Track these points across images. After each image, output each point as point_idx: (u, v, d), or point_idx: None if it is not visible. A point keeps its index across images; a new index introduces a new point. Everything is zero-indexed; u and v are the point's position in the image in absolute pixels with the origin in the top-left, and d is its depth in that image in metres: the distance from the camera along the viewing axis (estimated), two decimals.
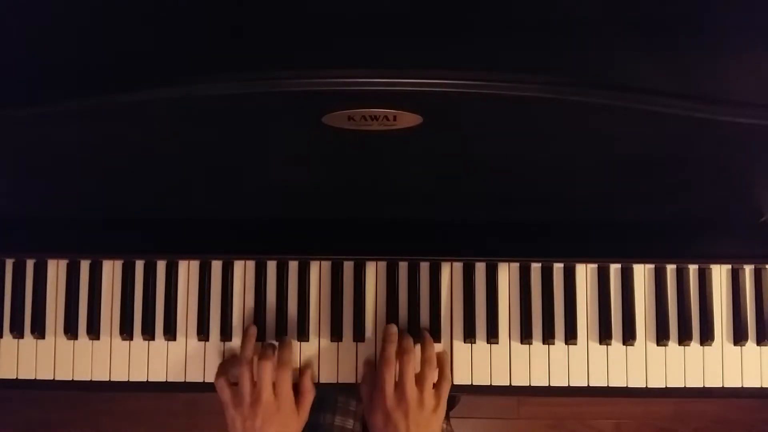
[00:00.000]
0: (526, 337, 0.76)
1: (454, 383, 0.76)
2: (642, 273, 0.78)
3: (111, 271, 0.79)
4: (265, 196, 0.74)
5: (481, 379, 0.76)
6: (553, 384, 0.76)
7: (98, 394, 1.42)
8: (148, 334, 0.78)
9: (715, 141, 0.57)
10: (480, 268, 0.78)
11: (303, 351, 0.77)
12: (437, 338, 0.76)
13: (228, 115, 0.55)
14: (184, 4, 0.54)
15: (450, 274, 0.78)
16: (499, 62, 0.50)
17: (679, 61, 0.52)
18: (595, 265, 0.78)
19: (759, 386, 0.77)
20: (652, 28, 0.53)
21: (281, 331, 0.77)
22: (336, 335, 0.77)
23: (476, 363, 0.77)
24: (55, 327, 0.79)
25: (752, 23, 0.54)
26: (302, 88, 0.49)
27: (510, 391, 0.77)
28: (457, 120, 0.55)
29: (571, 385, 0.76)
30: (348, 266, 0.78)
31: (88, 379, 0.78)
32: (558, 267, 0.78)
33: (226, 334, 0.77)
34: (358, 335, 0.77)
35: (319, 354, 0.77)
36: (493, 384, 0.76)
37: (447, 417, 0.89)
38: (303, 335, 0.77)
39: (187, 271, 0.79)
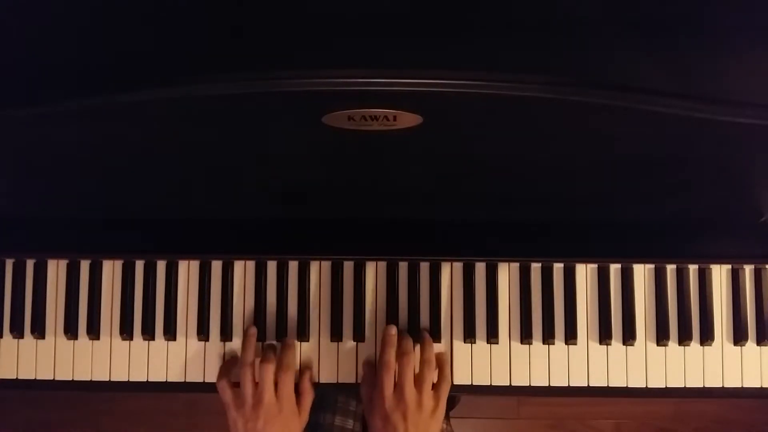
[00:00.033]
0: (526, 337, 0.76)
1: (454, 383, 0.76)
2: (642, 273, 0.78)
3: (111, 271, 0.79)
4: (265, 196, 0.74)
5: (481, 379, 0.76)
6: (553, 384, 0.76)
7: (98, 394, 1.42)
8: (148, 334, 0.78)
9: (715, 141, 0.57)
10: (480, 268, 0.78)
11: (303, 351, 0.77)
12: (437, 338, 0.76)
13: (228, 115, 0.55)
14: (184, 4, 0.54)
15: (450, 274, 0.78)
16: (499, 62, 0.50)
17: (679, 61, 0.52)
18: (595, 265, 0.78)
19: (759, 386, 0.77)
20: (652, 28, 0.53)
21: (281, 331, 0.77)
22: (336, 335, 0.77)
23: (476, 363, 0.77)
24: (55, 327, 0.79)
25: (752, 23, 0.54)
26: (302, 88, 0.49)
27: (510, 391, 0.77)
28: (457, 120, 0.55)
29: (571, 385, 0.76)
30: (348, 266, 0.78)
31: (88, 379, 0.78)
32: (558, 267, 0.78)
33: (226, 334, 0.77)
34: (358, 335, 0.77)
35: (319, 354, 0.77)
36: (493, 384, 0.76)
37: (447, 417, 0.89)
38: (303, 335, 0.77)
39: (187, 271, 0.79)
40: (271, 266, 0.78)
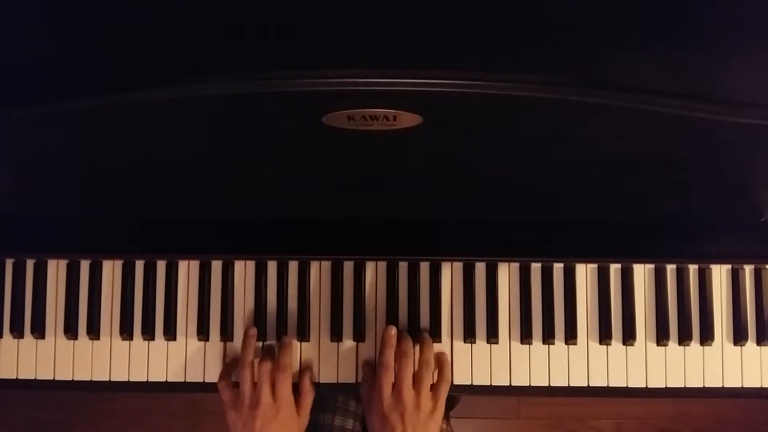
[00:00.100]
0: (526, 337, 0.76)
1: (454, 383, 0.76)
2: (642, 273, 0.78)
3: (111, 271, 0.79)
4: (265, 196, 0.74)
5: (481, 379, 0.76)
6: (553, 384, 0.76)
7: (98, 394, 1.42)
8: (148, 334, 0.78)
9: (715, 141, 0.57)
10: (480, 268, 0.78)
11: (303, 351, 0.77)
12: (437, 338, 0.76)
13: (228, 115, 0.55)
14: (184, 4, 0.54)
15: (450, 274, 0.78)
16: (499, 62, 0.50)
17: (678, 61, 0.52)
18: (595, 265, 0.78)
19: (759, 386, 0.77)
20: (652, 28, 0.53)
21: (281, 332, 0.77)
22: (336, 335, 0.77)
23: (476, 363, 0.77)
24: (55, 327, 0.79)
25: (752, 23, 0.54)
26: (302, 88, 0.49)
27: (510, 391, 0.77)
28: (457, 120, 0.55)
29: (571, 385, 0.76)
30: (348, 266, 0.78)
31: (88, 379, 0.78)
32: (558, 267, 0.78)
33: (226, 334, 0.77)
34: (358, 335, 0.77)
35: (319, 354, 0.77)
36: (493, 384, 0.76)
37: (447, 417, 0.89)
38: (303, 335, 0.77)
39: (187, 271, 0.79)
40: (271, 266, 0.78)
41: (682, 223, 0.76)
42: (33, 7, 0.55)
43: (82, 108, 0.52)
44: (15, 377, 0.79)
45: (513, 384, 0.76)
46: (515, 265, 0.78)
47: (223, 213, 0.77)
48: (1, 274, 0.80)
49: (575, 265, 0.77)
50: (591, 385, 0.76)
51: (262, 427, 0.69)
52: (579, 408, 1.44)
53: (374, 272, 0.78)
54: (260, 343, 0.77)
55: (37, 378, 0.79)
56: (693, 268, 0.78)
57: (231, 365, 0.76)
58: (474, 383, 0.76)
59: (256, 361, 0.73)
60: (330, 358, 0.77)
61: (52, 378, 0.79)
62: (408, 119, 0.53)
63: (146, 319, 0.78)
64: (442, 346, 0.77)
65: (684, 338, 0.76)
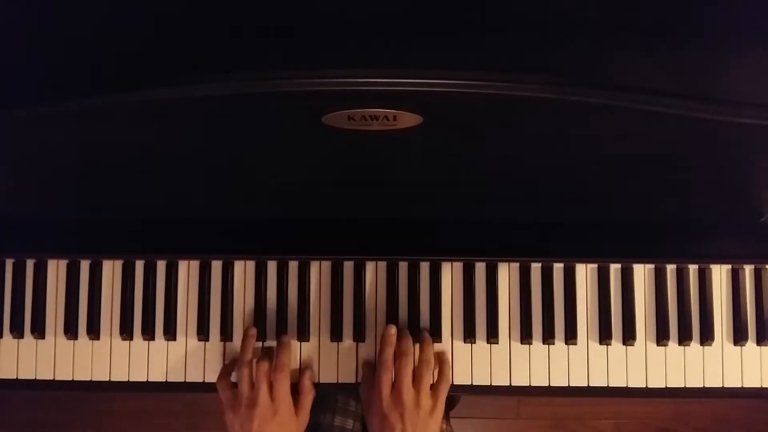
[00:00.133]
0: (526, 337, 0.76)
1: (454, 383, 0.76)
2: (642, 273, 0.78)
3: (111, 271, 0.79)
4: (265, 196, 0.74)
5: (481, 379, 0.76)
6: (553, 384, 0.76)
7: (98, 394, 1.42)
8: (148, 334, 0.78)
9: (715, 141, 0.57)
10: (480, 268, 0.78)
11: (303, 351, 0.77)
12: (437, 338, 0.76)
13: (228, 115, 0.55)
14: (184, 4, 0.54)
15: (450, 274, 0.78)
16: (499, 62, 0.50)
17: (678, 61, 0.52)
18: (595, 265, 0.78)
19: (759, 386, 0.77)
20: (652, 28, 0.53)
21: (281, 331, 0.77)
22: (336, 335, 0.77)
23: (476, 363, 0.77)
24: (55, 327, 0.79)
25: (752, 23, 0.54)
26: (302, 88, 0.49)
27: (510, 391, 0.77)
28: (457, 120, 0.55)
29: (571, 385, 0.76)
30: (348, 266, 0.78)
31: (88, 379, 0.78)
32: (558, 267, 0.78)
33: (226, 334, 0.77)
34: (358, 335, 0.77)
35: (319, 354, 0.77)
36: (493, 384, 0.76)
37: (447, 417, 0.89)
38: (303, 335, 0.77)
39: (187, 271, 0.79)
40: (271, 266, 0.78)
41: (682, 223, 0.76)
42: (33, 7, 0.55)
43: (82, 108, 0.52)
44: (15, 377, 0.79)
45: (513, 384, 0.76)
46: (515, 265, 0.78)
47: (223, 213, 0.77)
48: (1, 274, 0.80)
49: (575, 265, 0.77)
50: (591, 385, 0.76)
51: (260, 427, 0.69)
52: (579, 408, 1.44)
53: (374, 272, 0.78)
54: (260, 344, 0.77)
55: (37, 378, 0.79)
56: (693, 268, 0.78)
57: (230, 365, 0.76)
58: (474, 383, 0.76)
59: (255, 360, 0.73)
60: (330, 358, 0.77)
61: (52, 378, 0.79)
62: (408, 119, 0.53)
63: (146, 319, 0.78)
64: (442, 346, 0.77)
65: (684, 338, 0.76)
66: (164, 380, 0.78)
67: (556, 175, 0.65)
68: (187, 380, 0.78)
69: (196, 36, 0.53)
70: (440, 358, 0.75)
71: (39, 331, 0.79)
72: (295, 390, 0.74)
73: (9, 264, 0.80)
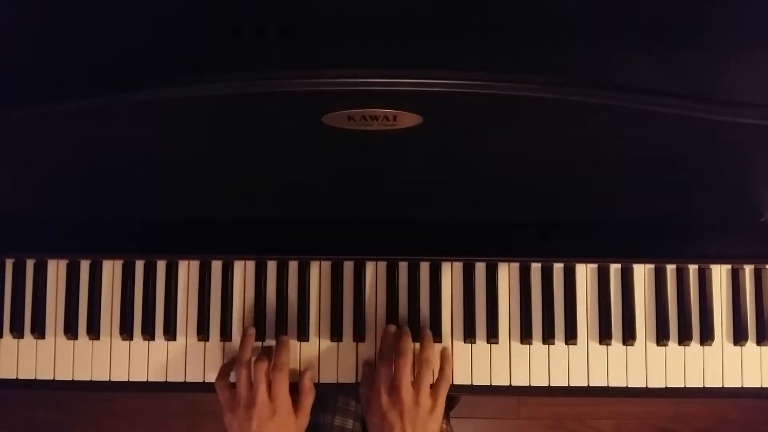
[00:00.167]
0: (526, 337, 0.76)
1: (454, 383, 0.76)
2: (642, 273, 0.78)
3: (111, 271, 0.79)
4: (265, 196, 0.74)
5: (481, 379, 0.76)
6: (553, 384, 0.76)
7: (98, 394, 1.42)
8: (148, 334, 0.78)
9: (715, 141, 0.57)
10: (480, 268, 0.78)
11: (303, 351, 0.77)
12: (437, 338, 0.76)
13: (228, 115, 0.55)
14: (184, 4, 0.54)
15: (450, 274, 0.78)
16: (499, 62, 0.50)
17: (678, 61, 0.52)
18: (595, 265, 0.78)
19: (759, 386, 0.77)
20: (652, 28, 0.53)
21: (281, 331, 0.77)
22: (336, 335, 0.77)
23: (476, 363, 0.77)
24: (55, 327, 0.79)
25: (752, 23, 0.54)
26: (302, 88, 0.49)
27: (510, 391, 0.77)
28: (457, 120, 0.55)
29: (571, 385, 0.76)
30: (348, 266, 0.78)
31: (88, 379, 0.78)
32: (558, 267, 0.78)
33: (226, 334, 0.77)
34: (358, 335, 0.77)
35: (319, 354, 0.77)
36: (493, 384, 0.76)
37: (447, 417, 0.89)
38: (303, 335, 0.77)
39: (187, 271, 0.79)
40: (271, 266, 0.78)
41: (682, 223, 0.76)
42: (33, 7, 0.55)
43: (82, 108, 0.52)
44: (15, 377, 0.79)
45: (513, 384, 0.76)
46: (515, 265, 0.78)
47: (223, 213, 0.77)
48: (1, 274, 0.80)
49: (575, 265, 0.77)
50: (591, 385, 0.76)
51: (258, 428, 0.69)
52: (579, 408, 1.44)
53: (374, 272, 0.78)
54: (260, 344, 0.77)
55: (37, 378, 0.79)
56: (693, 268, 0.78)
57: (228, 365, 0.76)
58: (474, 383, 0.76)
59: (254, 360, 0.73)
60: (330, 358, 0.77)
61: (52, 378, 0.79)
62: (408, 119, 0.53)
63: (146, 319, 0.78)
64: (443, 346, 0.76)
65: (684, 338, 0.76)
66: (164, 380, 0.78)
67: (556, 175, 0.65)
68: (187, 380, 0.78)
69: (196, 36, 0.53)
70: (442, 354, 0.75)
71: (39, 331, 0.79)
72: (295, 390, 0.74)
73: (9, 264, 0.80)
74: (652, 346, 0.77)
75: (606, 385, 0.76)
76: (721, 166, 0.63)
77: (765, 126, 0.51)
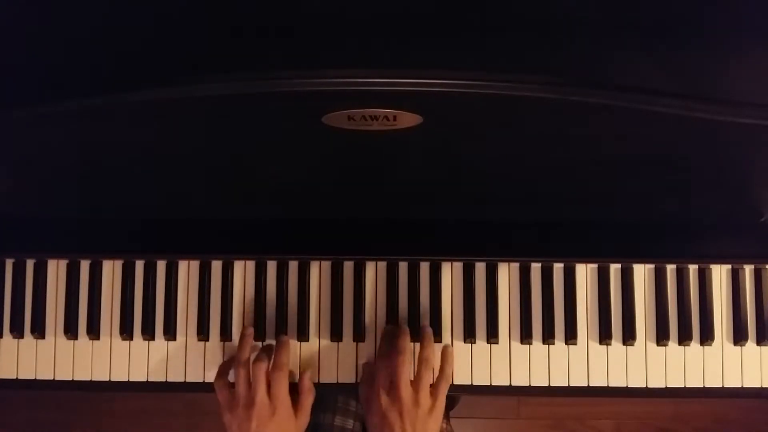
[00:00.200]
0: (526, 337, 0.76)
1: (454, 383, 0.76)
2: (642, 273, 0.78)
3: (111, 271, 0.79)
4: (265, 196, 0.74)
5: (481, 379, 0.76)
6: (553, 384, 0.76)
7: (98, 394, 1.42)
8: (148, 334, 0.78)
9: (715, 141, 0.57)
10: (480, 268, 0.78)
11: (303, 351, 0.77)
12: (437, 338, 0.76)
13: (228, 115, 0.55)
14: (184, 4, 0.54)
15: (450, 274, 0.78)
16: (499, 62, 0.50)
17: (678, 61, 0.52)
18: (595, 265, 0.78)
19: (759, 386, 0.77)
20: (652, 28, 0.53)
21: (281, 331, 0.77)
22: (336, 335, 0.77)
23: (476, 363, 0.77)
24: (55, 327, 0.79)
25: (752, 23, 0.54)
26: (302, 88, 0.49)
27: (510, 391, 0.77)
28: (457, 120, 0.55)
29: (571, 385, 0.76)
30: (348, 266, 0.78)
31: (88, 379, 0.78)
32: (558, 267, 0.78)
33: (226, 334, 0.77)
34: (358, 335, 0.77)
35: (319, 354, 0.77)
36: (493, 384, 0.76)
37: (447, 417, 0.89)
38: (303, 335, 0.77)
39: (187, 271, 0.79)
40: (271, 266, 0.78)
41: (682, 223, 0.76)
42: (33, 7, 0.55)
43: (82, 108, 0.52)
44: (15, 377, 0.79)
45: (513, 384, 0.76)
46: (515, 265, 0.78)
47: (223, 213, 0.77)
48: (1, 274, 0.80)
49: (575, 265, 0.77)
50: (591, 385, 0.76)
51: (258, 428, 0.68)
52: (579, 408, 1.44)
53: (374, 272, 0.78)
54: (259, 344, 0.77)
55: (37, 378, 0.79)
56: (693, 268, 0.78)
57: (227, 364, 0.76)
58: (474, 383, 0.76)
59: (252, 359, 0.73)
60: (330, 358, 0.77)
61: (52, 378, 0.79)
62: (408, 119, 0.53)
63: (146, 319, 0.78)
64: (443, 344, 0.76)
65: (684, 338, 0.76)
66: (164, 380, 0.78)
67: (556, 175, 0.65)
68: (187, 380, 0.78)
69: (196, 36, 0.53)
70: (442, 353, 0.75)
71: (39, 331, 0.79)
72: (295, 390, 0.74)
73: (9, 264, 0.80)
74: (652, 346, 0.77)
75: (606, 385, 0.76)
76: (721, 166, 0.63)
77: (765, 126, 0.51)
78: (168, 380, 0.78)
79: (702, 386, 0.76)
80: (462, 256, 0.77)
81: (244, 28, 0.52)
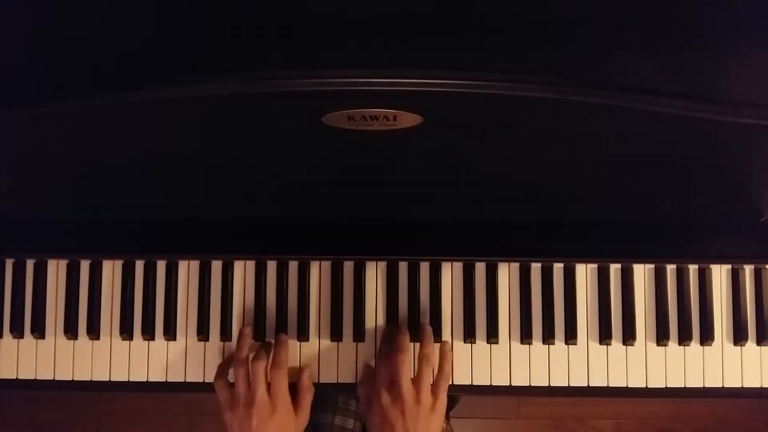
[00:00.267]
0: (526, 337, 0.76)
1: (454, 383, 0.76)
2: (642, 273, 0.78)
3: (111, 271, 0.79)
4: (265, 196, 0.74)
5: (481, 379, 0.76)
6: (553, 384, 0.76)
7: (98, 394, 1.42)
8: (148, 334, 0.78)
9: (715, 141, 0.57)
10: (480, 268, 0.78)
11: (303, 351, 0.77)
12: (437, 338, 0.76)
13: (228, 115, 0.55)
14: (184, 4, 0.54)
15: (450, 274, 0.78)
16: (499, 62, 0.50)
17: (678, 61, 0.52)
18: (595, 265, 0.78)
19: (759, 386, 0.77)
20: (652, 28, 0.53)
21: (281, 331, 0.77)
22: (336, 335, 0.77)
23: (476, 363, 0.77)
24: (55, 327, 0.79)
25: (752, 23, 0.54)
26: (302, 88, 0.49)
27: (510, 391, 0.77)
28: (457, 120, 0.55)
29: (571, 385, 0.76)
30: (348, 266, 0.78)
31: (88, 379, 0.78)
32: (558, 267, 0.78)
33: (226, 334, 0.77)
34: (358, 335, 0.77)
35: (318, 354, 0.77)
36: (493, 384, 0.76)
37: (447, 417, 0.89)
38: (303, 335, 0.77)
39: (187, 271, 0.79)
40: (271, 266, 0.78)
41: (682, 223, 0.76)
42: (33, 7, 0.55)
43: (82, 108, 0.52)
44: (15, 377, 0.79)
45: (513, 384, 0.77)
46: (515, 265, 0.78)
47: (223, 213, 0.77)
48: (1, 274, 0.80)
49: (575, 265, 0.77)
50: (591, 385, 0.76)
51: (258, 426, 0.69)
52: (579, 408, 1.44)
53: (374, 272, 0.78)
54: (260, 343, 0.77)
55: (37, 378, 0.79)
56: (693, 268, 0.78)
57: (226, 363, 0.76)
58: (474, 383, 0.76)
59: (252, 358, 0.72)
60: (330, 358, 0.77)
61: (52, 378, 0.79)
62: (408, 119, 0.53)
63: (146, 319, 0.78)
64: (442, 341, 0.76)
65: (684, 338, 0.76)
66: (164, 380, 0.78)
67: (556, 175, 0.65)
68: (187, 380, 0.78)
69: (196, 36, 0.53)
70: (441, 351, 0.75)
71: (39, 331, 0.79)
72: (294, 389, 0.74)
73: (9, 264, 0.80)
74: (652, 346, 0.77)
75: (606, 385, 0.76)
76: (721, 166, 0.63)
77: (765, 126, 0.51)
78: (168, 380, 0.78)
79: (702, 386, 0.76)
80: (462, 256, 0.77)
81: (244, 28, 0.52)
